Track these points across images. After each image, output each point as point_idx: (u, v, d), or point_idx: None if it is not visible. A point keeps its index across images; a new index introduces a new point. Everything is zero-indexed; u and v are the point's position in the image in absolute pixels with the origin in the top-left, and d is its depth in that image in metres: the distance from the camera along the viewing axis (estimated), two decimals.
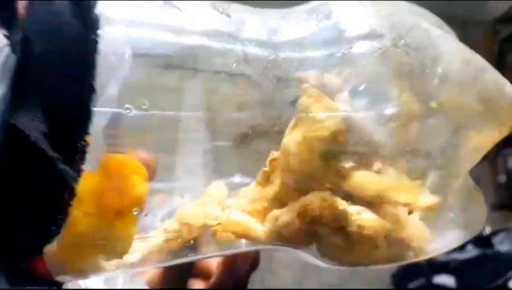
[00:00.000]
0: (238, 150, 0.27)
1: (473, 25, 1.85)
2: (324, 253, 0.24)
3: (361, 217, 0.22)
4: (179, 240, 0.26)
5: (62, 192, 0.17)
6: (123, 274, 0.31)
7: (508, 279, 1.06)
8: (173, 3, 0.21)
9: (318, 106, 0.21)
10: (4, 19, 0.16)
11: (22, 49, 0.16)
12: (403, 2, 0.25)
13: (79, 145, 0.17)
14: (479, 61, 0.23)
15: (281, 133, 0.24)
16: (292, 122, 0.24)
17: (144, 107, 0.19)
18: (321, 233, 0.22)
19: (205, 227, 0.24)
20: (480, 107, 0.23)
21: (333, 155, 0.21)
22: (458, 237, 0.25)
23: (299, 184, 0.22)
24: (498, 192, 1.81)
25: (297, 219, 0.22)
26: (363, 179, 0.21)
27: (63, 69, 0.17)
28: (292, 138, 0.22)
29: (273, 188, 0.24)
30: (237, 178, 0.29)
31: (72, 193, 0.17)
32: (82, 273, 0.23)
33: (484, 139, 0.23)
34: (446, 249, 0.26)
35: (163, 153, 0.27)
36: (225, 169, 0.29)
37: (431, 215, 0.24)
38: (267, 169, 0.25)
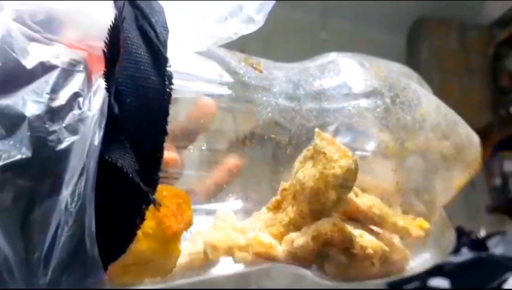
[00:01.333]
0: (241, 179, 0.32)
1: (470, 29, 1.87)
2: (329, 271, 0.28)
3: (363, 239, 0.27)
4: (202, 260, 0.29)
5: (141, 218, 0.20)
6: None
7: (503, 282, 1.04)
8: (217, 56, 0.25)
9: (331, 149, 0.26)
10: (108, 76, 0.19)
11: (115, 99, 0.20)
12: (393, 62, 0.31)
13: (154, 178, 0.21)
14: (454, 115, 0.29)
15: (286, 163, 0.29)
16: (300, 158, 0.29)
17: (203, 148, 0.23)
18: (330, 253, 0.27)
19: (230, 249, 0.28)
20: (454, 152, 0.29)
21: (345, 188, 0.25)
22: (434, 257, 0.31)
23: (313, 212, 0.27)
24: (493, 195, 1.78)
25: (311, 241, 0.27)
26: (370, 200, 0.26)
27: (146, 117, 0.21)
28: (308, 174, 0.27)
29: (287, 215, 0.28)
30: (238, 204, 0.33)
31: (143, 219, 0.21)
32: (125, 286, 0.26)
33: (455, 178, 0.29)
34: (422, 268, 0.32)
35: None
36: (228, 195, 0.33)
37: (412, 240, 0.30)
38: (278, 197, 0.30)
